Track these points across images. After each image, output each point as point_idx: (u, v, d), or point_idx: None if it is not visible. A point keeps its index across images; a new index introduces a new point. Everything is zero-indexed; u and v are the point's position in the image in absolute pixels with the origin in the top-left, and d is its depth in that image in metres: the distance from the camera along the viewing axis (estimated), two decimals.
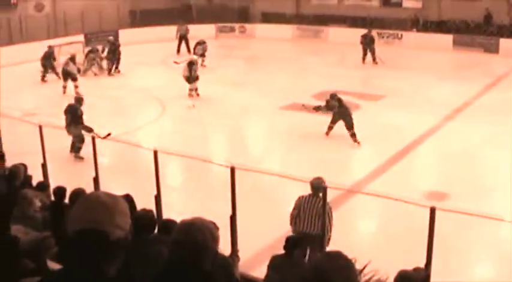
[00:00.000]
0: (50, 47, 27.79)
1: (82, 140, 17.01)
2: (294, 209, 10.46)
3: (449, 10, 34.63)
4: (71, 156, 17.16)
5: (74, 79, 24.86)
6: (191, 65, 23.91)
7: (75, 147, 17.25)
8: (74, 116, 17.16)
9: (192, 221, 3.38)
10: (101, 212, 2.48)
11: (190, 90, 23.86)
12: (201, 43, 30.20)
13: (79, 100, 17.65)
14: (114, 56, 28.65)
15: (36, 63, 27.92)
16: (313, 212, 10.19)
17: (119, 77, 28.18)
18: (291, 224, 10.55)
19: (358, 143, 17.92)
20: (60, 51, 28.54)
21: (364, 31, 30.53)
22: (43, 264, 5.41)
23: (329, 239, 10.07)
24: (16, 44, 32.61)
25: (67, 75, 24.81)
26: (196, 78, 23.90)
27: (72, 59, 25.50)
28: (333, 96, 18.46)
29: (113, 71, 28.62)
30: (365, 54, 29.81)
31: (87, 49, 30.14)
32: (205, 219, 3.45)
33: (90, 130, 16.71)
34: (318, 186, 10.06)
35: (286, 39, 37.71)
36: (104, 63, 28.90)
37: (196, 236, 3.26)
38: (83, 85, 24.71)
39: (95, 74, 28.14)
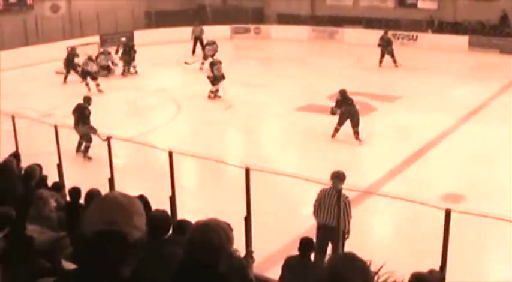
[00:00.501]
0: (72, 49, 27.93)
1: (90, 140, 17.12)
2: (316, 200, 10.71)
3: (465, 11, 34.41)
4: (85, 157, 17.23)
5: (94, 78, 25.32)
6: (212, 65, 23.86)
7: (84, 147, 17.37)
8: (81, 115, 17.27)
9: (207, 222, 3.38)
10: (118, 213, 2.48)
11: (211, 92, 23.80)
12: (210, 44, 30.10)
13: (87, 99, 17.76)
14: (130, 57, 28.67)
15: (51, 64, 28.12)
16: (332, 204, 10.32)
17: (135, 78, 28.20)
18: (313, 214, 10.75)
19: (360, 141, 18.04)
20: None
21: (380, 32, 30.26)
22: (58, 264, 5.43)
23: (348, 232, 10.35)
24: (32, 45, 32.80)
25: (87, 74, 25.15)
26: (222, 77, 23.75)
27: (91, 58, 25.93)
28: (342, 93, 18.40)
29: (126, 72, 28.62)
30: (382, 56, 29.53)
31: (100, 51, 30.16)
32: (220, 220, 3.44)
33: (94, 131, 16.77)
34: (337, 180, 10.58)
35: (301, 40, 37.65)
36: (116, 67, 28.84)
37: (212, 237, 3.26)
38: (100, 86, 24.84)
39: (106, 76, 27.97)
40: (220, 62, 24.14)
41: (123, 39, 30.68)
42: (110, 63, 28.60)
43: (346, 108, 18.06)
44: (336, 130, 18.33)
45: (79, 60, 26.72)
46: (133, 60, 28.73)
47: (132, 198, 2.60)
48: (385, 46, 29.21)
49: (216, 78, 23.63)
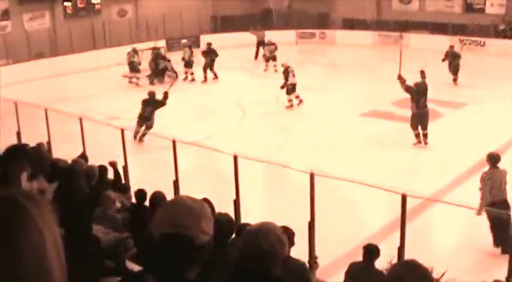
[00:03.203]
0: (156, 48, 29.28)
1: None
2: (484, 184, 11.64)
3: None
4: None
5: (138, 71, 27.89)
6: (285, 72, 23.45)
7: (144, 133, 18.73)
8: (155, 103, 19.08)
9: (258, 228, 3.35)
10: (187, 217, 2.49)
11: (289, 101, 23.32)
12: (268, 44, 30.51)
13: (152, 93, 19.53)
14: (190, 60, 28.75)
15: (118, 67, 28.63)
16: (499, 182, 11.55)
17: (200, 82, 28.40)
18: (481, 199, 11.56)
19: (426, 143, 18.13)
20: (142, 56, 28.95)
21: (446, 38, 29.47)
22: (122, 265, 5.50)
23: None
24: (99, 49, 33.41)
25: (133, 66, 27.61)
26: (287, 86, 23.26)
27: (136, 51, 28.30)
28: (423, 74, 18.96)
29: (189, 78, 28.77)
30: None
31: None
32: (273, 223, 3.41)
33: (166, 96, 19.31)
34: (493, 157, 11.86)
35: (366, 45, 37.38)
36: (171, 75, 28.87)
37: (262, 243, 3.23)
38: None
39: (151, 83, 27.54)
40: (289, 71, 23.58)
41: (184, 41, 30.58)
42: (168, 70, 28.68)
43: (418, 112, 17.91)
44: (417, 135, 18.22)
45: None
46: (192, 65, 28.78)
47: (200, 202, 2.61)
48: (451, 60, 27.14)
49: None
